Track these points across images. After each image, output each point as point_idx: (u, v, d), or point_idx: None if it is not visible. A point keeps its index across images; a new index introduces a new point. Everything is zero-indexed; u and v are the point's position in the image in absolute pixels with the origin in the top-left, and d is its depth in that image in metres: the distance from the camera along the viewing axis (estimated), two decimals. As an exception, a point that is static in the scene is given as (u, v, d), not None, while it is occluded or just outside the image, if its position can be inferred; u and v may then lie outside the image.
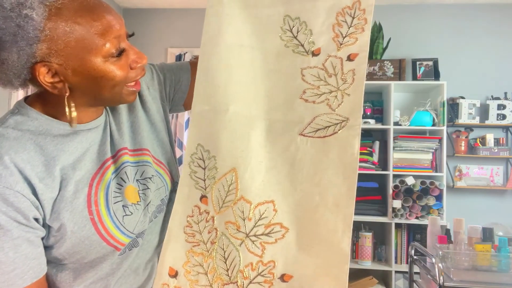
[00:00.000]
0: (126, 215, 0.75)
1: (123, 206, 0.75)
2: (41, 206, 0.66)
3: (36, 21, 0.60)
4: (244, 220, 0.76)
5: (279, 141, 0.78)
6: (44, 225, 0.68)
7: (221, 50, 0.80)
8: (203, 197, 0.79)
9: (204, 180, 0.79)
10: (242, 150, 0.78)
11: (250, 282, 0.75)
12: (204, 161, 0.79)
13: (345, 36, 0.77)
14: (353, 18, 0.77)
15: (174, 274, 0.79)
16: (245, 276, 0.75)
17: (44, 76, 0.64)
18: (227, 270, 0.76)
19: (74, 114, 0.68)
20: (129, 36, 0.72)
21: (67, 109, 0.68)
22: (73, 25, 0.63)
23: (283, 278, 0.74)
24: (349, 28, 0.77)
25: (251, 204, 0.76)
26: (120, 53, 0.68)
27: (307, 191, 0.75)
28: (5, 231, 0.62)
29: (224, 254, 0.76)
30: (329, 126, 0.76)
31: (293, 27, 0.79)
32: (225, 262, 0.76)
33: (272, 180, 0.77)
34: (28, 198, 0.64)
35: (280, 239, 0.75)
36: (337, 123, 0.76)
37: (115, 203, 0.74)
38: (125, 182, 0.77)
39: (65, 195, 0.68)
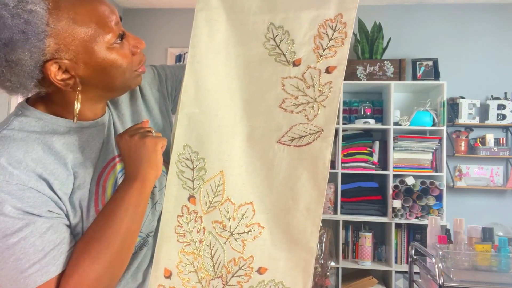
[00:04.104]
0: None
1: None
2: (61, 200, 0.66)
3: (42, 14, 0.61)
4: (229, 220, 0.82)
5: (258, 146, 0.82)
6: (68, 220, 0.68)
7: (210, 57, 0.81)
8: (191, 197, 0.81)
9: (193, 181, 0.82)
10: (228, 154, 0.82)
11: (233, 276, 0.82)
12: (192, 162, 0.82)
13: (325, 49, 0.80)
14: (334, 31, 0.79)
15: (168, 275, 0.81)
16: (228, 270, 0.82)
17: (55, 74, 0.65)
18: (213, 266, 0.82)
19: (77, 108, 0.69)
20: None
21: (76, 103, 0.68)
22: (75, 16, 0.64)
23: (259, 270, 0.82)
24: (329, 40, 0.79)
25: (235, 205, 0.82)
26: (122, 37, 0.70)
27: (281, 194, 0.82)
28: (27, 223, 0.61)
29: (211, 251, 0.82)
30: (304, 136, 0.81)
31: (277, 35, 0.81)
32: (212, 259, 0.82)
33: (251, 183, 0.82)
34: (45, 193, 0.64)
35: (258, 236, 0.82)
36: (312, 134, 0.81)
37: None
38: None
39: (77, 192, 0.69)
